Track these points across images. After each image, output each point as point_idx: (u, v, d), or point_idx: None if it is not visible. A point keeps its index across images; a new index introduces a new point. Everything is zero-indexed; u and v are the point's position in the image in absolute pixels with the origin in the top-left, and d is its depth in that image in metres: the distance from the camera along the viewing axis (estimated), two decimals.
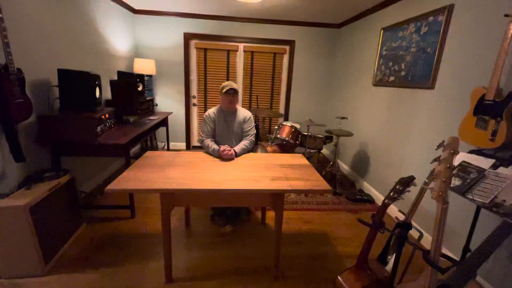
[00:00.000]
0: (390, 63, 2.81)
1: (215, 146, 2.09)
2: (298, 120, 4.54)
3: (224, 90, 2.13)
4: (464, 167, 1.43)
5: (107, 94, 3.05)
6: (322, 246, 2.17)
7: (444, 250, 2.00)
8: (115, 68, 3.40)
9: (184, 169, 1.77)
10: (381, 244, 1.61)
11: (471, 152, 1.53)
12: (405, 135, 2.55)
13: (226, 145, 2.09)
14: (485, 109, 1.56)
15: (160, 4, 3.60)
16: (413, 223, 2.13)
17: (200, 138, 2.22)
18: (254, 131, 2.31)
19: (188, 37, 4.14)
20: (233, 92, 2.13)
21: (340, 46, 4.20)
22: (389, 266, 1.50)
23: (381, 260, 1.55)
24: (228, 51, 4.28)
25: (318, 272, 1.87)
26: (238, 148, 2.12)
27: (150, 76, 4.02)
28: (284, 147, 3.31)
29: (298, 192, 1.58)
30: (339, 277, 1.51)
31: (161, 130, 4.28)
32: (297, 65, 4.41)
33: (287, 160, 2.09)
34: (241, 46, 4.28)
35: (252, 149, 2.28)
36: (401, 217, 1.47)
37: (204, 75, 4.36)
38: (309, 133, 3.32)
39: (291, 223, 2.47)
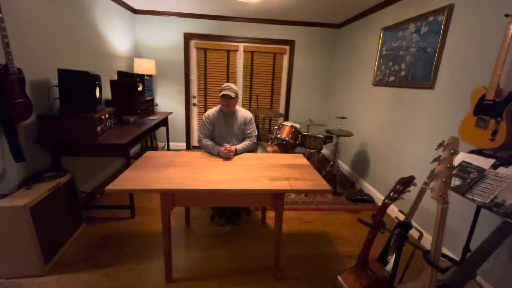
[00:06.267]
0: (390, 63, 2.81)
1: (215, 145, 2.14)
2: (298, 120, 4.54)
3: (220, 94, 2.14)
4: (464, 167, 1.43)
5: (107, 94, 3.05)
6: (322, 246, 2.17)
7: (444, 250, 2.00)
8: (115, 68, 3.40)
9: (184, 169, 1.77)
10: (381, 244, 1.61)
11: (471, 152, 1.53)
12: (405, 135, 2.55)
13: (227, 144, 2.11)
14: (485, 109, 1.56)
15: (160, 4, 3.60)
16: (413, 223, 2.13)
17: (199, 138, 2.24)
18: (255, 132, 2.33)
19: (188, 37, 4.14)
20: (227, 97, 2.12)
21: (340, 46, 4.20)
22: (389, 266, 1.50)
23: (381, 260, 1.55)
24: (228, 51, 4.28)
25: (318, 272, 1.87)
26: (239, 146, 2.17)
27: (150, 76, 4.02)
28: (284, 147, 3.31)
29: (298, 192, 1.58)
30: (339, 277, 1.51)
31: (161, 130, 4.28)
32: (297, 65, 4.41)
33: (287, 160, 2.09)
34: (241, 46, 4.28)
35: (253, 149, 2.30)
36: (401, 217, 1.47)
37: (204, 75, 4.36)
38: (309, 133, 3.32)
39: (291, 223, 2.47)
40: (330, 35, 4.31)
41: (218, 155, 2.08)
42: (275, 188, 1.56)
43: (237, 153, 2.12)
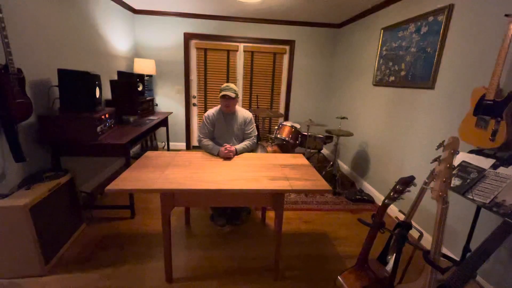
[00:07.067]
0: (390, 63, 2.81)
1: (215, 145, 2.14)
2: (298, 120, 4.53)
3: (220, 94, 2.14)
4: (464, 167, 1.43)
5: (107, 94, 3.05)
6: (322, 246, 2.17)
7: (444, 250, 2.00)
8: (115, 68, 3.40)
9: (184, 169, 1.77)
10: (381, 244, 1.61)
11: (471, 152, 1.53)
12: (405, 135, 2.55)
13: (228, 144, 2.11)
14: (485, 109, 1.56)
15: (160, 4, 3.60)
16: (413, 223, 2.13)
17: (199, 138, 2.24)
18: (255, 132, 2.33)
19: (188, 37, 4.14)
20: (228, 98, 2.13)
21: (340, 46, 4.20)
22: (389, 266, 1.50)
23: (381, 260, 1.55)
24: (228, 51, 4.28)
25: (318, 272, 1.87)
26: (239, 146, 2.17)
27: (150, 76, 4.02)
28: (284, 147, 3.31)
29: (298, 192, 1.58)
30: (339, 277, 1.51)
31: (161, 130, 4.28)
32: (297, 65, 4.41)
33: (287, 160, 2.09)
34: (241, 46, 4.28)
35: (253, 149, 2.30)
36: (401, 217, 1.47)
37: (204, 75, 4.36)
38: (309, 133, 3.32)
39: (291, 223, 2.47)
40: (330, 35, 4.31)
41: (218, 155, 2.08)
42: (275, 188, 1.56)
43: (237, 153, 2.13)
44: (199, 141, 2.22)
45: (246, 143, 2.24)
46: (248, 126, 2.30)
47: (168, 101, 4.36)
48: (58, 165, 2.17)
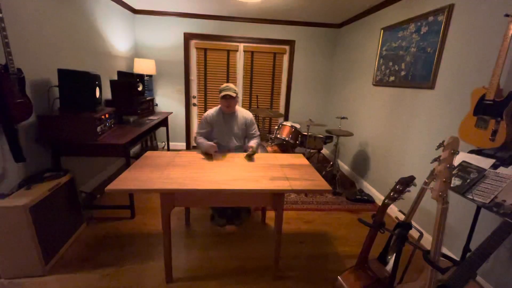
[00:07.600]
0: (390, 63, 2.81)
1: (209, 143, 2.15)
2: (298, 120, 4.53)
3: (220, 95, 2.14)
4: (464, 167, 1.43)
5: (107, 94, 3.05)
6: (322, 246, 2.17)
7: (444, 250, 2.00)
8: (115, 68, 3.40)
9: (184, 169, 1.77)
10: (381, 244, 1.61)
11: (471, 152, 1.53)
12: (405, 135, 2.55)
13: (213, 143, 2.12)
14: (485, 109, 1.56)
15: (160, 4, 3.60)
16: (413, 223, 2.13)
17: (195, 136, 2.27)
18: (258, 131, 2.38)
19: (188, 37, 4.14)
20: (229, 97, 2.13)
21: (340, 46, 4.20)
22: (389, 266, 1.49)
23: (381, 260, 1.55)
24: (228, 51, 4.28)
25: (318, 272, 1.87)
26: (253, 144, 2.19)
27: (150, 76, 4.02)
28: (284, 147, 3.31)
29: (298, 192, 1.59)
30: (339, 277, 1.51)
31: (161, 130, 4.28)
32: (297, 65, 4.41)
33: (287, 160, 2.09)
34: (241, 46, 4.28)
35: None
36: (401, 217, 1.47)
37: (204, 75, 4.36)
38: (309, 133, 3.31)
39: (291, 223, 2.47)
40: (330, 35, 4.31)
41: (206, 151, 2.08)
42: (275, 188, 1.56)
43: (255, 151, 2.12)
44: (195, 138, 2.25)
45: (255, 141, 2.28)
46: (251, 127, 2.32)
47: (168, 101, 4.36)
48: (58, 165, 2.17)
